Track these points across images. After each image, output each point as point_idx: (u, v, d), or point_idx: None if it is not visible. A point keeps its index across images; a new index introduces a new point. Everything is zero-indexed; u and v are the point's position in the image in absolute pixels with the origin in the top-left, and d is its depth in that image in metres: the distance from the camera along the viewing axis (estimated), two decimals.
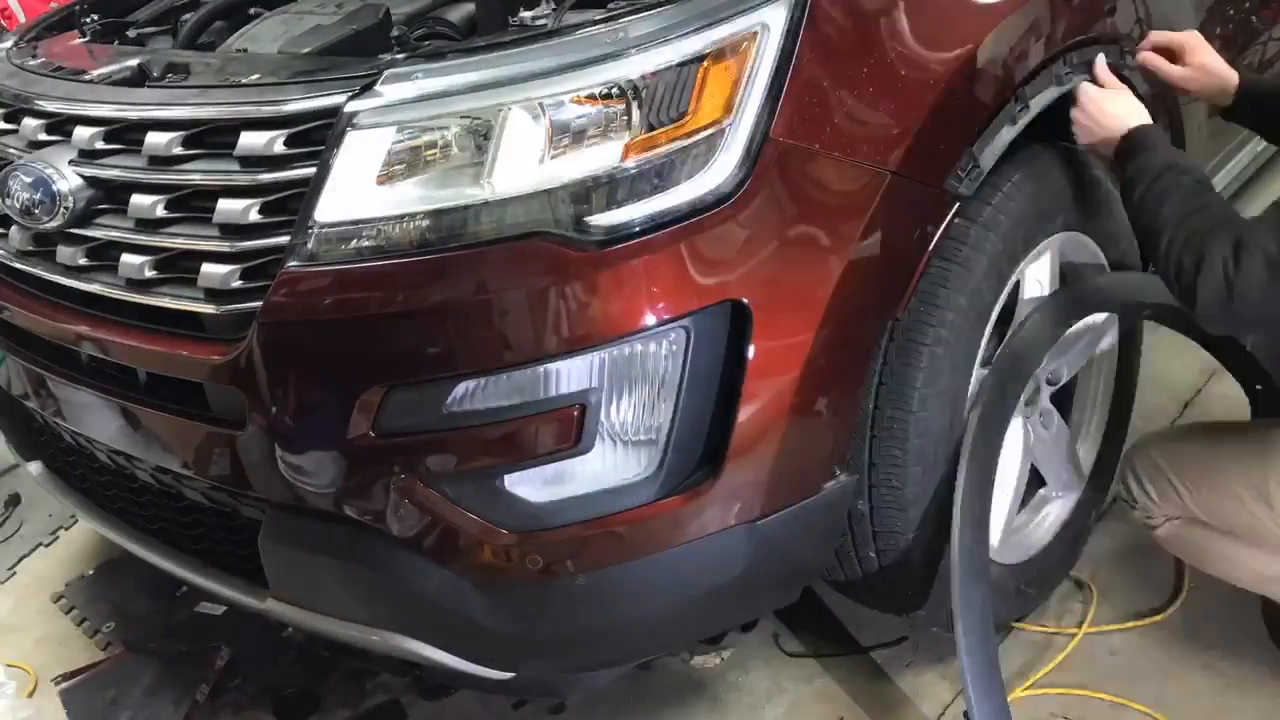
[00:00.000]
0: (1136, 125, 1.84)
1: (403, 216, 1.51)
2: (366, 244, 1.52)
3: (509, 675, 1.77)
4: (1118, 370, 2.30)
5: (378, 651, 1.79)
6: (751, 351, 1.57)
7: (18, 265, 1.89)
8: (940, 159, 1.72)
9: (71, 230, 1.75)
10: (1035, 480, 2.22)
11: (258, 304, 1.55)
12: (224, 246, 1.60)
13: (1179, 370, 2.87)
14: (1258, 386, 2.30)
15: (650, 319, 1.51)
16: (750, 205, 1.54)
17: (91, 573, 2.68)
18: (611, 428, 1.56)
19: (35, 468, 2.28)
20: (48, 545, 2.83)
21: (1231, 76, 2.00)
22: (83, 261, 1.76)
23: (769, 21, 1.55)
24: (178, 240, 1.65)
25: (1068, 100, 1.93)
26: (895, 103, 1.65)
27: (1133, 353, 2.32)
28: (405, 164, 1.51)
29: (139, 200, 1.67)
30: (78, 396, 1.89)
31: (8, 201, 1.77)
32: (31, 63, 2.00)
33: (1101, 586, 2.26)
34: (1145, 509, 2.01)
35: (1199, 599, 2.21)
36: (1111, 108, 1.88)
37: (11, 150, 1.86)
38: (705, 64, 1.52)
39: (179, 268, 1.66)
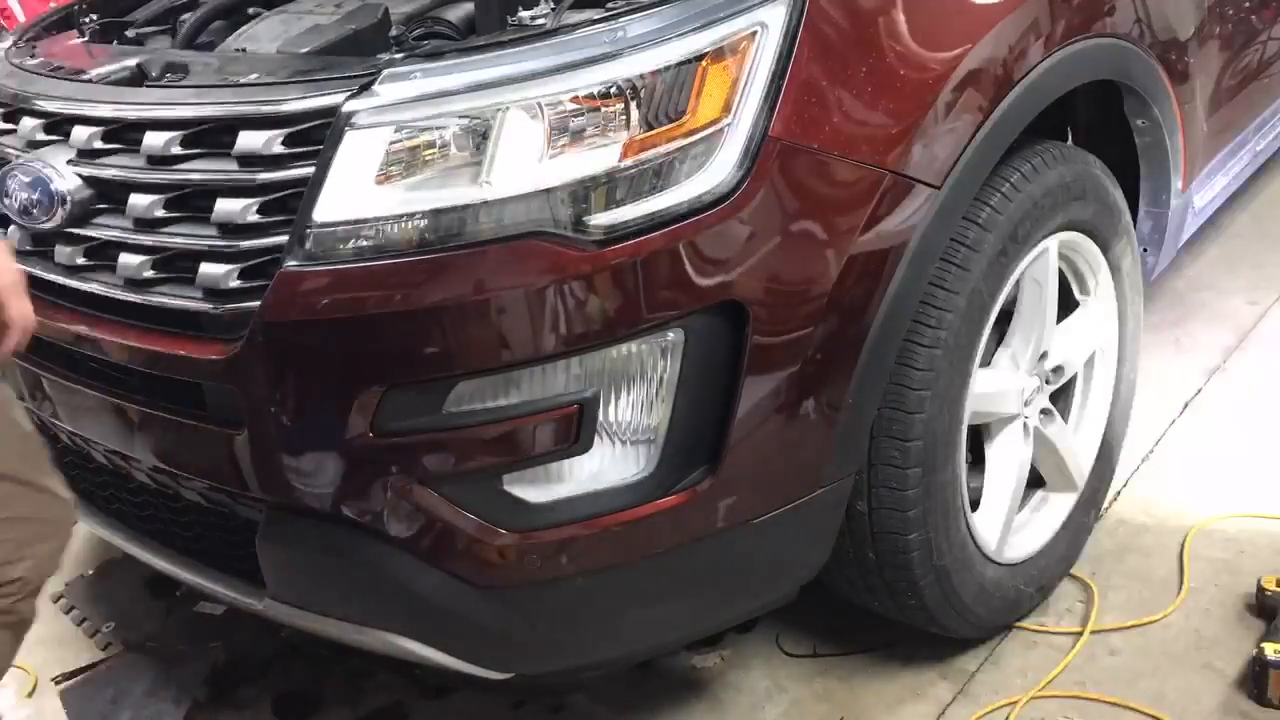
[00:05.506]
0: None
1: (401, 216, 1.51)
2: (365, 244, 1.51)
3: (508, 675, 1.77)
4: (1117, 368, 2.29)
5: (376, 651, 1.78)
6: (749, 351, 1.57)
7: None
8: (939, 158, 1.72)
9: (69, 230, 1.74)
10: (1035, 480, 2.21)
11: (256, 303, 1.55)
12: (222, 246, 1.60)
13: (1178, 369, 2.87)
14: None
15: (648, 318, 1.52)
16: (748, 205, 1.53)
17: (91, 573, 2.68)
18: (610, 427, 1.57)
19: None
20: None
21: None
22: (81, 261, 1.76)
23: (767, 21, 1.55)
24: (176, 240, 1.65)
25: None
26: (893, 102, 1.65)
27: (1132, 351, 2.32)
28: (404, 164, 1.51)
29: (137, 200, 1.67)
30: (75, 396, 1.89)
31: (6, 201, 1.77)
32: (30, 62, 2.00)
33: (1101, 586, 2.26)
34: None
35: (1199, 599, 2.21)
36: None
37: (10, 150, 1.86)
38: (704, 64, 1.52)
39: (177, 267, 1.66)
